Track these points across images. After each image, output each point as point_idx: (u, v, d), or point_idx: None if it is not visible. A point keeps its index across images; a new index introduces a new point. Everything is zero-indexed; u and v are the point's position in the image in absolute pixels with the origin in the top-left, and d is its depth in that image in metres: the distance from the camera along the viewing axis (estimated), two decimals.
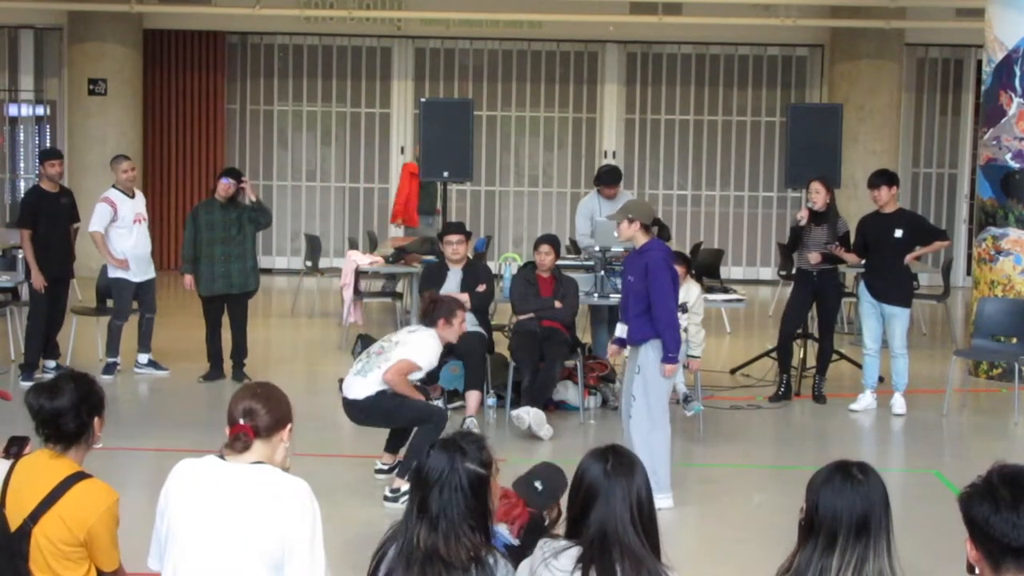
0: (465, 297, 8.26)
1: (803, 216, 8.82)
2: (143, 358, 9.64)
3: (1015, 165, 9.92)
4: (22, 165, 16.71)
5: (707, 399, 8.71)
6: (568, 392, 8.67)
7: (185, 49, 16.15)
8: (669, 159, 16.79)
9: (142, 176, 14.68)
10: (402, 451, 6.64)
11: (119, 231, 9.37)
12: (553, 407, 8.47)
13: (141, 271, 9.49)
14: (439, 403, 8.30)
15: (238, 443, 3.32)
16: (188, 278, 9.24)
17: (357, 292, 10.73)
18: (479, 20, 15.79)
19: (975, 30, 11.05)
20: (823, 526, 2.92)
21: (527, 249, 14.14)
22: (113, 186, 9.48)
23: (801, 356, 9.45)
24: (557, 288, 8.53)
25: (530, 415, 7.79)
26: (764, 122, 16.66)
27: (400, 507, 6.34)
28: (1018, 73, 9.85)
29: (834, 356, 9.41)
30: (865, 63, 15.58)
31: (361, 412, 6.45)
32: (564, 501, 4.10)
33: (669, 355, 6.26)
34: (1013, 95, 9.88)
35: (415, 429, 6.44)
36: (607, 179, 9.39)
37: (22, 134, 16.82)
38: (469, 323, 8.28)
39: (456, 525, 3.08)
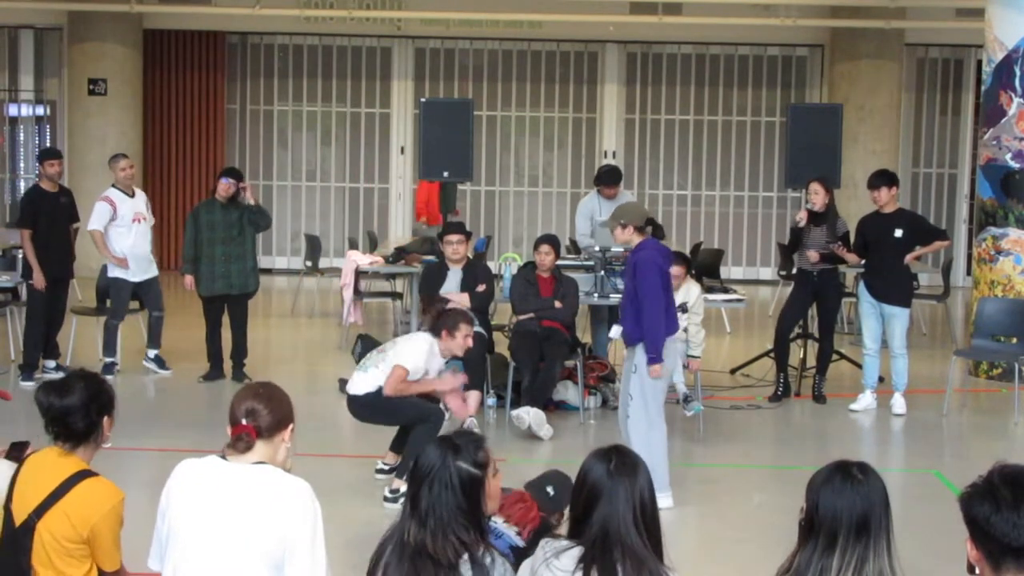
0: (465, 297, 8.27)
1: (802, 217, 8.82)
2: (151, 352, 9.67)
3: (1015, 165, 9.92)
4: (22, 165, 16.72)
5: (707, 399, 8.71)
6: (568, 392, 8.67)
7: (185, 49, 16.15)
8: (669, 159, 16.79)
9: (142, 176, 14.70)
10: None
11: (118, 230, 9.37)
12: (553, 407, 8.47)
13: (140, 270, 9.49)
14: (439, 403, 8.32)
15: (240, 443, 3.32)
16: (189, 278, 9.25)
17: (357, 292, 10.73)
18: (479, 20, 15.79)
19: (975, 30, 11.05)
20: (823, 526, 2.92)
21: (527, 249, 14.14)
22: (113, 185, 9.48)
23: (801, 356, 9.45)
24: (557, 288, 8.53)
25: (530, 415, 7.79)
26: (764, 122, 16.67)
27: (399, 508, 6.40)
28: (1018, 73, 9.85)
29: (834, 356, 9.41)
30: (865, 63, 15.58)
31: (362, 408, 6.47)
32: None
33: (650, 356, 6.24)
34: (1013, 95, 9.88)
35: (414, 429, 6.44)
36: (607, 179, 9.39)
37: (22, 134, 16.82)
38: None
39: (445, 523, 3.08)
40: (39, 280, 9.01)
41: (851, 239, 8.86)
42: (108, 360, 9.40)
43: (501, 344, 9.01)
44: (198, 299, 9.42)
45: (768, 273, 16.35)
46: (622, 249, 8.43)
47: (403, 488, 6.26)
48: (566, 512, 3.91)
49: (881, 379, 8.99)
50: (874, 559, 2.90)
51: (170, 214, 15.97)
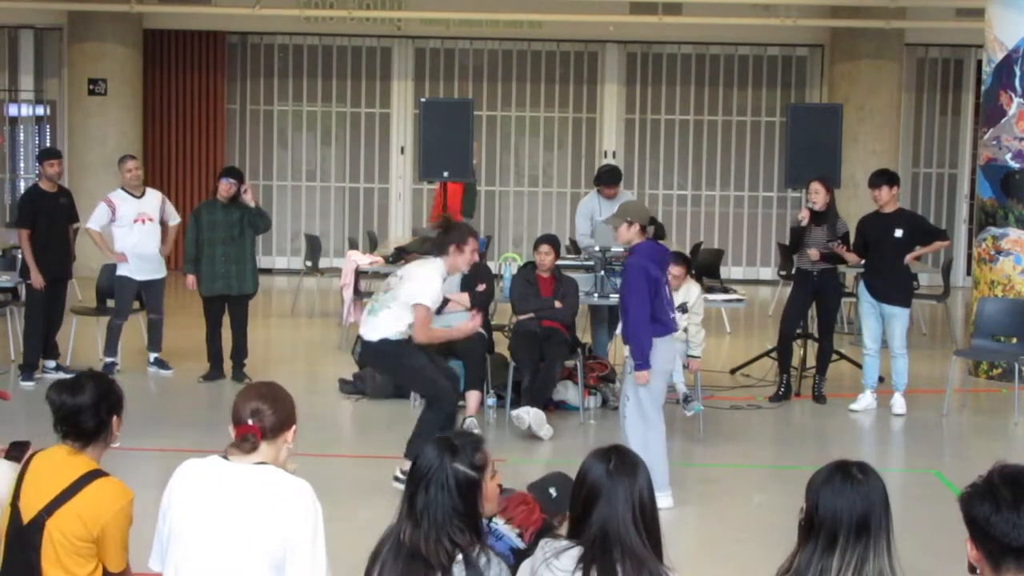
0: (465, 297, 8.26)
1: (804, 216, 8.81)
2: (152, 356, 9.69)
3: (1015, 165, 9.92)
4: (22, 165, 16.72)
5: (707, 399, 8.71)
6: (568, 392, 8.67)
7: (185, 49, 16.15)
8: (669, 159, 16.80)
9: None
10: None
11: (120, 230, 9.44)
12: (553, 407, 8.47)
13: (144, 270, 9.50)
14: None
15: (245, 444, 3.32)
16: (190, 278, 9.27)
17: (357, 292, 10.73)
18: (479, 20, 15.79)
19: (975, 30, 11.05)
20: (823, 526, 2.92)
21: (527, 249, 14.14)
22: (121, 187, 9.56)
23: (801, 356, 9.45)
24: (557, 288, 8.53)
25: (530, 415, 7.79)
26: (764, 122, 16.67)
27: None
28: (1018, 73, 9.85)
29: (834, 356, 9.41)
30: (865, 63, 15.59)
31: (377, 356, 6.51)
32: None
33: (636, 363, 6.22)
34: (1013, 95, 9.88)
35: (423, 411, 6.45)
36: (607, 179, 9.38)
37: (22, 134, 16.83)
38: None
39: (439, 525, 3.07)
40: (37, 280, 9.02)
41: (851, 239, 8.86)
42: (108, 360, 9.40)
43: (501, 344, 9.01)
44: (198, 299, 9.43)
45: (768, 273, 16.35)
46: (622, 249, 8.45)
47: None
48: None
49: (881, 379, 8.99)
50: (874, 559, 2.90)
51: None
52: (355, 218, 16.73)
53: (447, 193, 12.92)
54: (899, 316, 8.69)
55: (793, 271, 9.42)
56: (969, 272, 13.63)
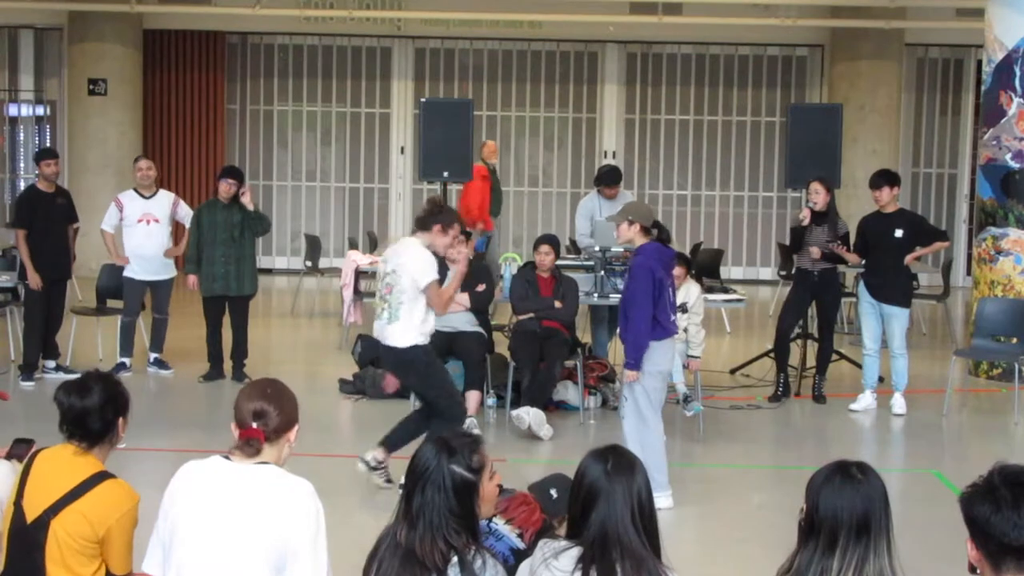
0: (465, 297, 8.27)
1: (805, 216, 8.81)
2: (152, 356, 9.71)
3: (1015, 165, 9.92)
4: (22, 165, 16.72)
5: (707, 399, 8.71)
6: (568, 392, 8.67)
7: (185, 49, 16.15)
8: (669, 159, 16.80)
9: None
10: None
11: (125, 229, 9.56)
12: (553, 407, 8.47)
13: (148, 270, 9.53)
14: None
15: (249, 448, 3.31)
16: (192, 278, 9.29)
17: (357, 292, 10.73)
18: (479, 20, 15.79)
19: (975, 30, 11.05)
20: (823, 526, 2.92)
21: (527, 249, 14.14)
22: (134, 187, 9.71)
23: (801, 356, 9.44)
24: (557, 288, 8.53)
25: (530, 415, 7.79)
26: (764, 122, 16.67)
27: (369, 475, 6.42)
28: (1018, 73, 9.85)
29: (834, 356, 9.41)
30: (865, 63, 15.59)
31: (403, 362, 6.44)
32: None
33: (628, 362, 6.23)
34: (1013, 95, 9.88)
35: (434, 421, 6.47)
36: (607, 179, 9.38)
37: (22, 134, 16.83)
38: (469, 323, 8.29)
39: (434, 527, 3.06)
40: (34, 281, 9.02)
41: (851, 239, 8.86)
42: (120, 359, 9.43)
43: (501, 344, 9.01)
44: (199, 299, 9.44)
45: (768, 273, 16.35)
46: (622, 249, 8.45)
47: (380, 458, 6.42)
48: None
49: (881, 379, 8.99)
50: (874, 559, 2.90)
51: None
52: (355, 218, 16.73)
53: (472, 192, 12.91)
54: (899, 316, 8.69)
55: (793, 271, 9.41)
56: (969, 272, 13.63)
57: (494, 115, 16.56)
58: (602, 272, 8.71)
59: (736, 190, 16.76)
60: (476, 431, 7.61)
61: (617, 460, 3.15)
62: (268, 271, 16.03)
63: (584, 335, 9.46)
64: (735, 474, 7.32)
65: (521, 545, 4.02)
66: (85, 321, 10.14)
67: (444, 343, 8.13)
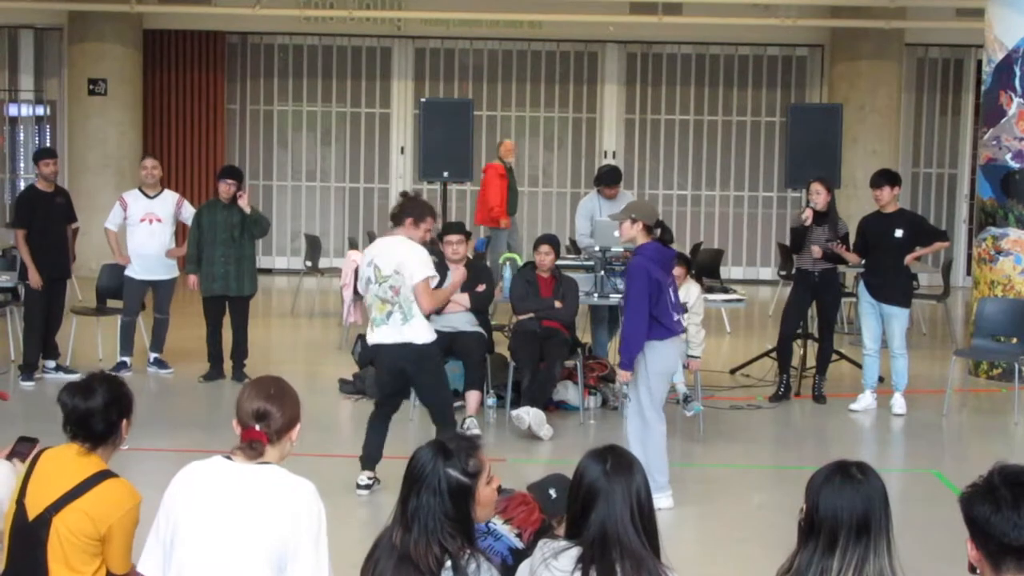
0: (465, 297, 8.27)
1: (807, 216, 8.79)
2: (152, 356, 9.71)
3: (1015, 165, 9.92)
4: (22, 165, 16.71)
5: (707, 399, 8.71)
6: (568, 392, 8.67)
7: (185, 49, 16.15)
8: (669, 159, 16.80)
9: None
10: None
11: (129, 228, 9.60)
12: (553, 407, 8.47)
13: (149, 270, 9.53)
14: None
15: (252, 451, 3.31)
16: (192, 278, 9.31)
17: (357, 292, 10.69)
18: (479, 20, 15.79)
19: (975, 30, 11.05)
20: (823, 526, 2.92)
21: (527, 249, 14.14)
22: (138, 186, 9.74)
23: (801, 356, 9.45)
24: (557, 288, 8.52)
25: (530, 415, 7.79)
26: (764, 122, 16.67)
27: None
28: (1018, 73, 9.85)
29: (834, 356, 9.41)
30: (865, 63, 15.59)
31: (422, 360, 6.43)
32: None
33: (622, 361, 6.22)
34: (1013, 95, 9.88)
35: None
36: (607, 179, 9.38)
37: (22, 134, 16.83)
38: (469, 323, 8.29)
39: (429, 530, 3.05)
40: (35, 280, 9.02)
41: (851, 239, 8.86)
42: (120, 358, 9.43)
43: (501, 344, 9.01)
44: (199, 299, 9.45)
45: (768, 273, 16.35)
46: (622, 249, 8.45)
47: (371, 475, 6.52)
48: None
49: (881, 379, 8.99)
50: (874, 559, 2.90)
51: None
52: (355, 218, 16.72)
53: (491, 190, 12.90)
54: (899, 316, 8.69)
55: (793, 271, 9.41)
56: (969, 272, 13.63)
57: (494, 115, 16.56)
58: (602, 272, 8.71)
59: (736, 190, 16.76)
60: (476, 431, 7.63)
61: (616, 460, 3.14)
62: (268, 271, 16.03)
63: (584, 335, 9.46)
64: (735, 474, 7.32)
65: (520, 545, 4.02)
66: (85, 321, 10.14)
67: (444, 343, 8.12)
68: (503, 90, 16.62)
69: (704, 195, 16.82)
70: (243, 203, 9.17)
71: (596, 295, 8.74)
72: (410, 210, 6.48)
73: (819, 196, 8.77)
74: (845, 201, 12.37)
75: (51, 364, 9.35)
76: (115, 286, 9.92)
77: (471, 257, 9.05)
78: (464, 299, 8.26)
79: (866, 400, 8.85)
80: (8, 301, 10.15)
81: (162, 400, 9.10)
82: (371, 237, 14.32)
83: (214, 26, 16.03)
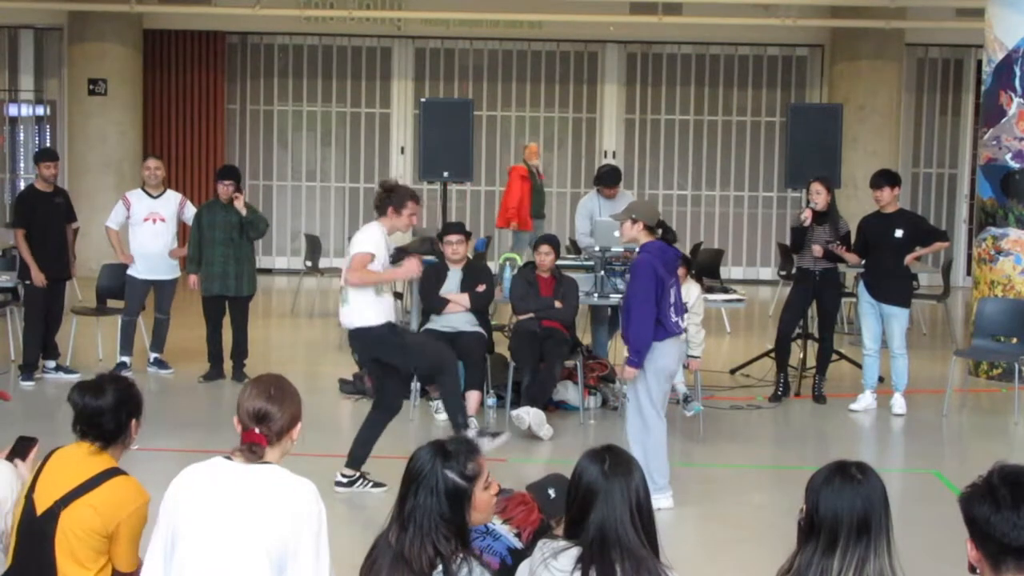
0: (465, 297, 8.27)
1: (807, 216, 8.80)
2: (152, 356, 9.72)
3: (1015, 165, 9.92)
4: (22, 165, 16.72)
5: (707, 399, 8.71)
6: (568, 392, 8.67)
7: (185, 49, 16.16)
8: (669, 159, 16.80)
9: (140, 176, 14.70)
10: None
11: (132, 228, 9.59)
12: (553, 407, 8.47)
13: (151, 270, 9.53)
14: (439, 403, 8.32)
15: (252, 455, 3.31)
16: (192, 278, 9.32)
17: None
18: (479, 20, 15.80)
19: (975, 30, 11.05)
20: (824, 527, 2.92)
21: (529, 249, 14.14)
22: (141, 185, 9.76)
23: (801, 356, 9.45)
24: (557, 288, 8.52)
25: (530, 415, 7.79)
26: (764, 122, 16.67)
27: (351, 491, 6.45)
28: (1018, 73, 9.85)
29: (834, 356, 9.41)
30: (865, 63, 15.60)
31: (361, 342, 6.49)
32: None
33: (630, 359, 6.19)
34: (1013, 95, 9.88)
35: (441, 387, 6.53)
36: (607, 179, 9.38)
37: (22, 134, 16.83)
38: (469, 323, 8.29)
39: (424, 531, 3.05)
40: (37, 277, 9.02)
41: (852, 239, 8.86)
42: (120, 359, 9.43)
43: (501, 344, 9.01)
44: (199, 299, 9.45)
45: (768, 273, 16.35)
46: (622, 249, 8.45)
47: (354, 474, 6.51)
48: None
49: (881, 379, 8.99)
50: (875, 559, 2.90)
51: None
52: (355, 218, 16.72)
53: (511, 192, 12.87)
54: (898, 316, 8.69)
55: (794, 271, 9.41)
56: (969, 272, 13.63)
57: (494, 115, 16.57)
58: (602, 272, 8.71)
59: (736, 190, 16.76)
60: (503, 432, 7.62)
61: (614, 460, 3.14)
62: (268, 271, 16.04)
63: (584, 335, 9.46)
64: (735, 474, 7.32)
65: (519, 545, 4.02)
66: (85, 321, 10.14)
67: (444, 343, 8.12)
68: (503, 90, 16.62)
69: (704, 195, 16.82)
70: (239, 205, 9.16)
71: (596, 295, 8.73)
72: (389, 199, 6.47)
73: (819, 196, 8.77)
74: (845, 201, 12.36)
75: (51, 364, 9.36)
76: (115, 286, 9.92)
77: (471, 257, 9.04)
78: (464, 299, 8.26)
79: (866, 400, 8.85)
80: (8, 301, 10.15)
81: (162, 400, 9.09)
82: None
83: (214, 26, 16.04)
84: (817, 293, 8.96)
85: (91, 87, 15.33)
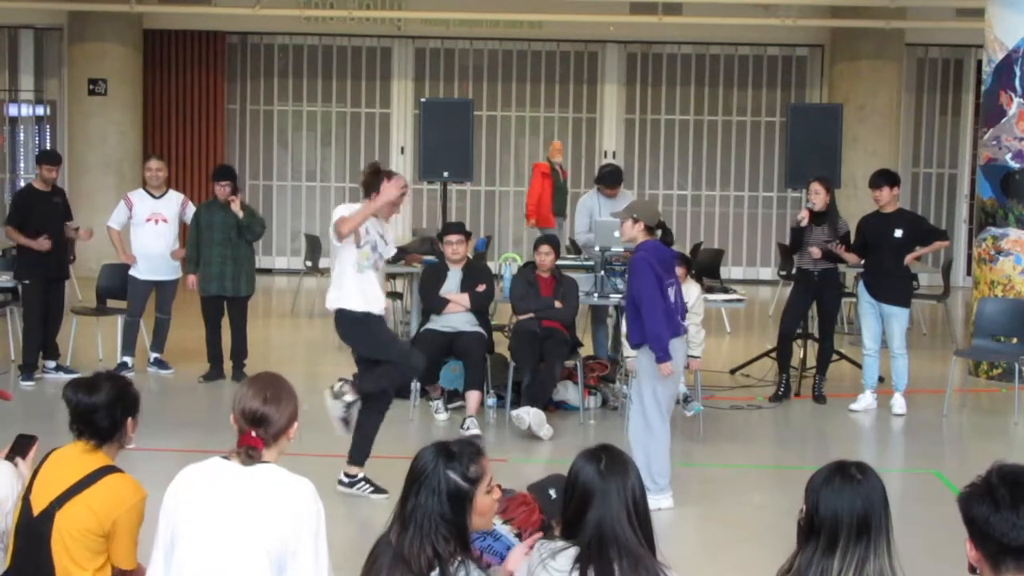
0: (465, 297, 8.26)
1: (803, 217, 8.81)
2: (152, 356, 9.72)
3: (1015, 165, 9.92)
4: (22, 165, 16.73)
5: (707, 399, 8.70)
6: (568, 392, 8.67)
7: (185, 49, 16.16)
8: (669, 159, 16.80)
9: (141, 176, 14.70)
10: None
11: (134, 228, 9.58)
12: (553, 407, 8.47)
13: (153, 270, 9.53)
14: (439, 403, 8.32)
15: (249, 459, 3.31)
16: (191, 278, 9.31)
17: None
18: (479, 20, 15.80)
19: (975, 30, 11.05)
20: (824, 527, 2.92)
21: (527, 249, 14.13)
22: (143, 186, 9.77)
23: (801, 356, 9.45)
24: (557, 288, 8.52)
25: (530, 415, 7.79)
26: (764, 122, 16.67)
27: (354, 493, 6.43)
28: (1018, 73, 9.85)
29: (834, 356, 9.41)
30: (865, 63, 15.60)
31: (350, 325, 6.40)
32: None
33: (658, 356, 6.16)
34: (1013, 95, 9.88)
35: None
36: (609, 179, 9.37)
37: (22, 134, 16.83)
38: (469, 323, 8.28)
39: (424, 531, 3.05)
40: (41, 244, 8.97)
41: (852, 239, 8.86)
42: (121, 359, 9.43)
43: (501, 344, 9.01)
44: (198, 299, 9.45)
45: (768, 273, 16.35)
46: (622, 249, 8.45)
47: (357, 474, 6.46)
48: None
49: (881, 379, 8.99)
50: (874, 559, 2.90)
51: None
52: None
53: (531, 190, 12.83)
54: (898, 316, 8.69)
55: (794, 271, 9.42)
56: (969, 272, 13.63)
57: (494, 115, 16.57)
58: (602, 272, 8.71)
59: (736, 190, 16.76)
60: (475, 430, 7.63)
61: (610, 459, 3.15)
62: (268, 271, 16.04)
63: (584, 335, 9.46)
64: (735, 474, 7.32)
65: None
66: (85, 321, 10.14)
67: (444, 343, 8.13)
68: (503, 90, 16.62)
69: (704, 195, 16.82)
70: (235, 207, 9.16)
71: (596, 295, 8.73)
72: (373, 184, 6.32)
73: (817, 196, 8.77)
74: (845, 201, 12.36)
75: (51, 364, 9.36)
76: (115, 286, 9.92)
77: (471, 257, 9.04)
78: (464, 299, 8.26)
79: (866, 400, 8.85)
80: (8, 301, 10.16)
81: (162, 400, 9.09)
82: None
83: (214, 26, 16.04)
84: (817, 293, 8.95)
85: (91, 87, 15.33)
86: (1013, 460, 2.68)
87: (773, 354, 9.46)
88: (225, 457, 3.34)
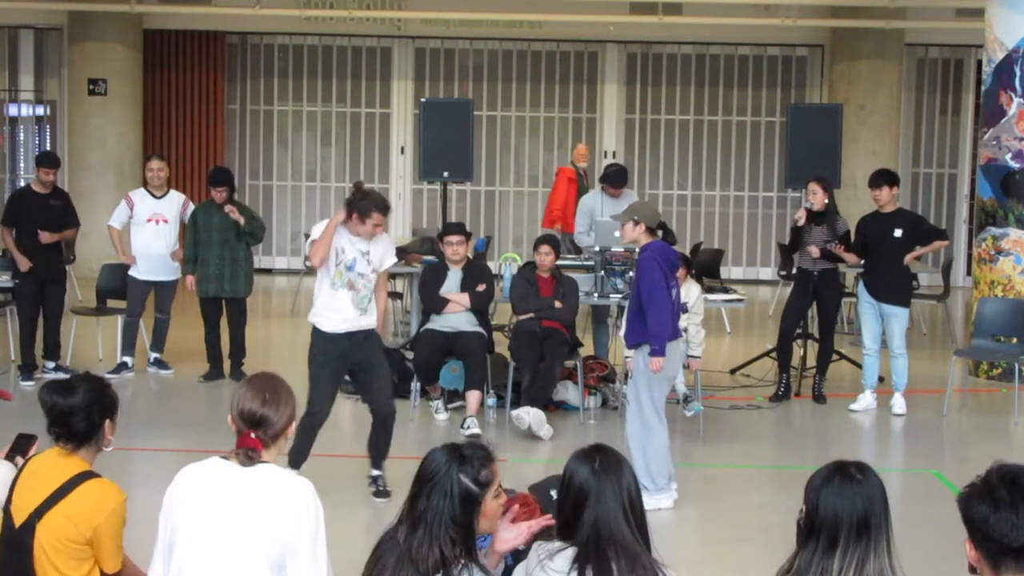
0: (465, 297, 8.26)
1: (801, 216, 8.82)
2: (152, 355, 9.72)
3: (1015, 165, 9.92)
4: (22, 165, 16.72)
5: (707, 399, 8.71)
6: (568, 392, 8.67)
7: (185, 49, 16.15)
8: (669, 159, 16.80)
9: (141, 176, 14.69)
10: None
11: (134, 228, 9.57)
12: (553, 407, 8.47)
13: (152, 271, 9.53)
14: (439, 403, 8.32)
15: (248, 460, 3.30)
16: (190, 278, 9.31)
17: None
18: (479, 20, 15.79)
19: (975, 30, 11.05)
20: (823, 527, 2.92)
21: (527, 249, 14.13)
22: (144, 185, 9.78)
23: (801, 356, 9.45)
24: (557, 288, 8.53)
25: (530, 415, 7.79)
26: (764, 122, 16.67)
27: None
28: (1018, 73, 9.84)
29: (834, 356, 9.41)
30: (865, 63, 15.59)
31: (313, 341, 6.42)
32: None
33: (653, 348, 6.16)
34: (1013, 95, 9.88)
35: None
36: (614, 179, 9.38)
37: (22, 134, 16.83)
38: (469, 323, 8.28)
39: (433, 533, 3.06)
40: (23, 262, 8.98)
41: (851, 238, 8.86)
42: (121, 359, 9.42)
43: (501, 344, 9.01)
44: (196, 299, 9.45)
45: (768, 273, 16.35)
46: (623, 249, 8.45)
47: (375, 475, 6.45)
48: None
49: (881, 379, 8.99)
50: (874, 559, 2.90)
51: None
52: None
53: (556, 194, 12.82)
54: (898, 316, 8.69)
55: (793, 271, 9.42)
56: (969, 272, 13.63)
57: (494, 115, 16.56)
58: (602, 272, 8.71)
59: (736, 190, 16.76)
60: (476, 430, 7.63)
61: (604, 459, 3.15)
62: (268, 271, 16.04)
63: (584, 335, 9.46)
64: (735, 474, 7.32)
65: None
66: (85, 321, 10.14)
67: (444, 343, 8.13)
68: (503, 90, 16.62)
69: (704, 195, 16.82)
70: (235, 216, 9.14)
71: (596, 295, 8.74)
72: (355, 206, 6.22)
73: (816, 196, 8.78)
74: (845, 201, 12.37)
75: (51, 364, 9.35)
76: (115, 286, 9.91)
77: (471, 257, 9.04)
78: (464, 299, 8.26)
79: (866, 400, 8.85)
80: (8, 301, 10.16)
81: (162, 400, 9.10)
82: None
83: (214, 26, 16.04)
84: (816, 293, 8.95)
85: (91, 87, 15.33)
86: (1013, 460, 2.68)
87: (773, 354, 9.46)
88: (224, 457, 3.34)
